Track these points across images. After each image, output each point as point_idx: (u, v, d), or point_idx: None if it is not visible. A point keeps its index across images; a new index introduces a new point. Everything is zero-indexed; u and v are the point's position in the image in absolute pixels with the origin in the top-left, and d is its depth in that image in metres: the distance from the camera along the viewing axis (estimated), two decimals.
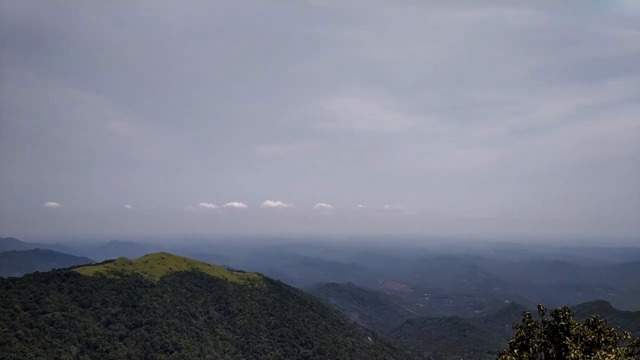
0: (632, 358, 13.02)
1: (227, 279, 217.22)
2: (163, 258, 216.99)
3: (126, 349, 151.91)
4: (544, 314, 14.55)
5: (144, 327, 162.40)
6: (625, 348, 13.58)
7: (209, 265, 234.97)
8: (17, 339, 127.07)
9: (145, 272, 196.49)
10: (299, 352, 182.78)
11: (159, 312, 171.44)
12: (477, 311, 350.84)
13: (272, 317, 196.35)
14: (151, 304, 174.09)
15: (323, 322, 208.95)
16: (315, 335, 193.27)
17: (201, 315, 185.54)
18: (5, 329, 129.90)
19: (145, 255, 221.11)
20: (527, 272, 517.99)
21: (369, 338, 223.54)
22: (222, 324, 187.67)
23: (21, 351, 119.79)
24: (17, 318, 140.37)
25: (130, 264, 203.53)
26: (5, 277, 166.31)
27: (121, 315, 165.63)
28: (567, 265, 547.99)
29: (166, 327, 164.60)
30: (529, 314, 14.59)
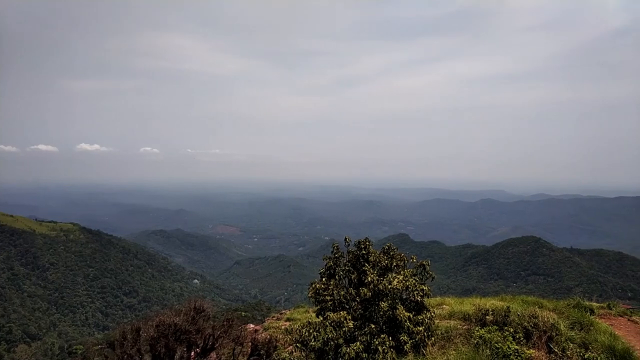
0: (416, 277, 15.72)
1: (35, 230, 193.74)
2: None
3: None
4: (349, 245, 16.46)
5: None
6: (411, 270, 16.28)
7: (11, 216, 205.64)
8: None
9: None
10: (122, 302, 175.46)
11: None
12: (300, 249, 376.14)
13: (91, 269, 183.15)
14: None
15: (149, 270, 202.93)
16: (141, 284, 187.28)
17: (3, 273, 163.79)
18: None
19: None
20: (345, 211, 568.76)
21: (196, 281, 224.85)
22: (30, 280, 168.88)
23: None
24: None
25: None
26: None
27: None
28: (377, 204, 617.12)
29: None
30: (337, 246, 16.35)
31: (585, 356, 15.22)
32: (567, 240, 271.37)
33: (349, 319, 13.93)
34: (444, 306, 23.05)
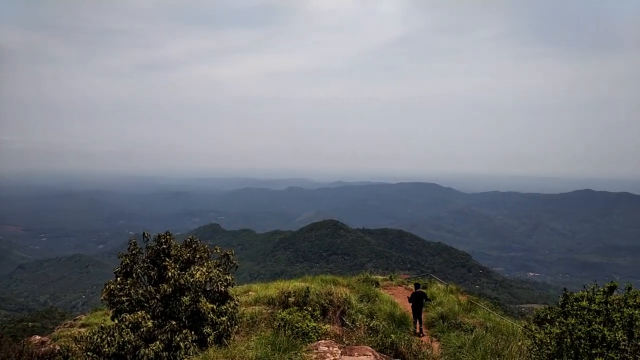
0: (220, 267, 15.64)
1: None
2: None
3: None
4: (148, 240, 15.51)
5: None
6: (215, 261, 16.15)
7: None
8: None
9: None
10: None
11: None
12: (100, 246, 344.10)
13: None
14: None
15: None
16: None
17: None
18: None
19: None
20: (151, 203, 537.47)
21: None
22: None
23: None
24: None
25: None
26: None
27: None
28: (186, 194, 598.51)
29: None
30: (134, 242, 15.25)
31: (371, 324, 17.30)
32: (360, 222, 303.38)
33: (148, 318, 13.15)
34: (250, 293, 23.62)
